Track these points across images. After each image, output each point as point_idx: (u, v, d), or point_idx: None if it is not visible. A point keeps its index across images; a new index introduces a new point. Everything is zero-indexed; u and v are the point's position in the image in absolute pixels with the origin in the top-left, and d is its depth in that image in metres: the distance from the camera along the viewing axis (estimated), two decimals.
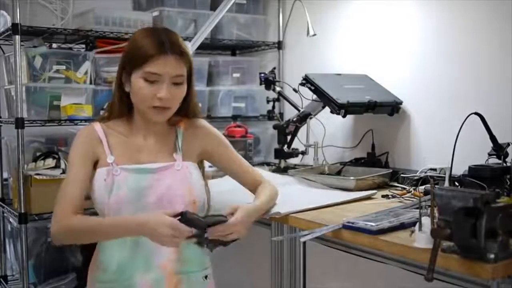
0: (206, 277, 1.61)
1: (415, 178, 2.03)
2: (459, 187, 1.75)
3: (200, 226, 1.40)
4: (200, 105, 2.92)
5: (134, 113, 1.59)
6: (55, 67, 2.50)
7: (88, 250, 1.58)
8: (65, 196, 1.47)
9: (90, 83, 2.59)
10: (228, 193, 1.86)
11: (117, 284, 1.50)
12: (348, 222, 1.49)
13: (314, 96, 2.38)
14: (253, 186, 1.71)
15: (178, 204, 1.50)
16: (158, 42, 1.47)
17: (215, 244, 1.46)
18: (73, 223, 1.44)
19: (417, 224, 1.30)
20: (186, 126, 1.64)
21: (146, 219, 1.39)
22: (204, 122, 1.69)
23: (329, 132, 2.56)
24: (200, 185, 1.59)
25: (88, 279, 1.58)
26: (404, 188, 2.02)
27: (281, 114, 3.07)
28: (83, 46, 2.73)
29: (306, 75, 2.34)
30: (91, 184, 1.52)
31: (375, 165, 2.33)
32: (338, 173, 2.32)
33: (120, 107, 1.57)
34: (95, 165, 1.54)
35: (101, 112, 2.48)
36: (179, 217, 1.38)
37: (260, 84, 2.75)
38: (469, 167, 1.72)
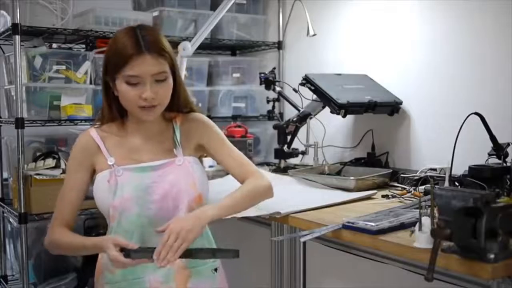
0: (215, 269, 1.61)
1: (415, 178, 2.03)
2: (459, 187, 1.75)
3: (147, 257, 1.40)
4: (200, 104, 2.95)
5: (128, 115, 1.58)
6: (55, 67, 2.50)
7: None
8: (57, 210, 1.56)
9: (90, 83, 2.59)
10: (226, 194, 1.86)
11: (127, 283, 1.51)
12: (348, 222, 1.49)
13: (314, 96, 2.38)
14: (240, 178, 1.63)
15: (183, 200, 1.51)
16: (133, 42, 1.45)
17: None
18: (56, 238, 1.53)
19: (417, 224, 1.30)
20: (182, 120, 1.63)
21: (100, 245, 1.43)
22: (198, 116, 1.67)
23: (329, 132, 2.56)
24: (203, 179, 1.59)
25: (96, 281, 1.58)
26: (404, 188, 2.02)
27: (281, 114, 3.07)
28: (83, 46, 2.73)
29: (306, 75, 2.34)
30: (93, 189, 1.55)
31: (375, 165, 2.33)
32: (338, 173, 2.32)
33: (110, 112, 1.57)
34: (94, 172, 1.56)
35: None
36: (123, 252, 1.39)
37: (260, 84, 2.75)
38: (469, 167, 1.72)
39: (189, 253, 1.41)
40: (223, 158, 1.65)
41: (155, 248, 1.39)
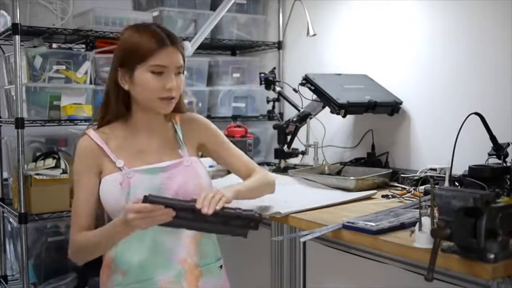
0: (220, 266, 1.63)
1: (415, 178, 2.03)
2: (459, 187, 1.75)
3: (166, 205, 1.35)
4: (200, 104, 2.95)
5: (132, 113, 1.57)
6: (55, 67, 2.50)
7: None
8: (73, 218, 1.53)
9: (90, 83, 2.59)
10: None
11: (139, 285, 1.50)
12: (348, 222, 1.49)
13: (314, 96, 2.38)
14: (245, 174, 1.68)
15: None
16: (158, 35, 1.49)
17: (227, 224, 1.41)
18: (78, 241, 1.50)
19: (417, 224, 1.30)
20: (181, 120, 1.64)
21: (117, 218, 1.41)
22: (196, 115, 1.70)
23: (329, 132, 2.56)
24: (208, 179, 1.61)
25: (102, 284, 1.56)
26: (404, 188, 2.02)
27: (281, 114, 3.07)
28: (83, 46, 2.73)
29: (306, 75, 2.34)
30: (100, 193, 1.52)
31: (375, 165, 2.33)
32: (338, 173, 2.32)
33: (117, 106, 1.56)
34: (100, 174, 1.54)
35: None
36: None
37: (260, 84, 2.75)
38: (469, 167, 1.72)
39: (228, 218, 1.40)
40: (225, 157, 1.70)
41: (174, 199, 1.38)
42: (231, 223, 1.41)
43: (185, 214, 1.37)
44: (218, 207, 1.38)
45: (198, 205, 1.36)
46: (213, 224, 1.40)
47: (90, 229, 1.51)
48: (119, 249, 1.51)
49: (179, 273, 1.51)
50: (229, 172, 2.36)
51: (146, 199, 1.32)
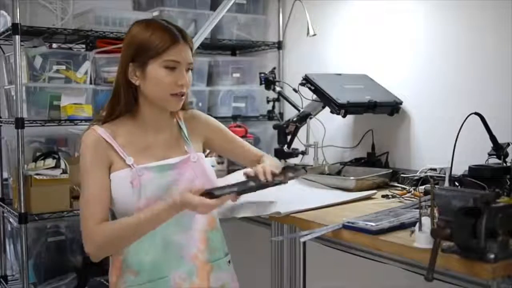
0: (229, 262, 1.65)
1: (415, 178, 2.03)
2: (459, 187, 1.75)
3: (229, 193, 1.45)
4: (200, 104, 2.95)
5: (140, 109, 1.56)
6: (55, 67, 2.50)
7: None
8: (87, 212, 1.46)
9: (90, 83, 2.59)
10: None
11: (151, 284, 1.49)
12: (348, 222, 1.50)
13: (314, 96, 2.38)
14: (254, 161, 1.74)
15: None
16: (172, 31, 1.50)
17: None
18: (105, 234, 1.44)
19: (417, 224, 1.30)
20: (184, 117, 1.66)
21: (173, 202, 1.42)
22: (198, 112, 1.72)
23: (329, 132, 2.56)
24: (214, 175, 1.63)
25: (114, 285, 1.53)
26: (404, 188, 2.02)
27: (281, 114, 3.07)
28: (83, 46, 2.74)
29: (306, 75, 2.34)
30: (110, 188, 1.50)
31: (375, 165, 2.33)
32: (338, 173, 2.32)
33: (127, 100, 1.54)
34: (110, 168, 1.51)
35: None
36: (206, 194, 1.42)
37: (260, 84, 2.75)
38: (469, 167, 1.72)
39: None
40: (232, 149, 1.77)
41: (233, 184, 1.49)
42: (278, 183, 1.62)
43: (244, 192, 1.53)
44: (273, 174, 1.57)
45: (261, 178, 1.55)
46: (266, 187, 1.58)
47: (107, 220, 1.48)
48: (129, 249, 1.50)
49: (191, 269, 1.52)
50: (229, 172, 2.36)
51: (211, 195, 1.40)
